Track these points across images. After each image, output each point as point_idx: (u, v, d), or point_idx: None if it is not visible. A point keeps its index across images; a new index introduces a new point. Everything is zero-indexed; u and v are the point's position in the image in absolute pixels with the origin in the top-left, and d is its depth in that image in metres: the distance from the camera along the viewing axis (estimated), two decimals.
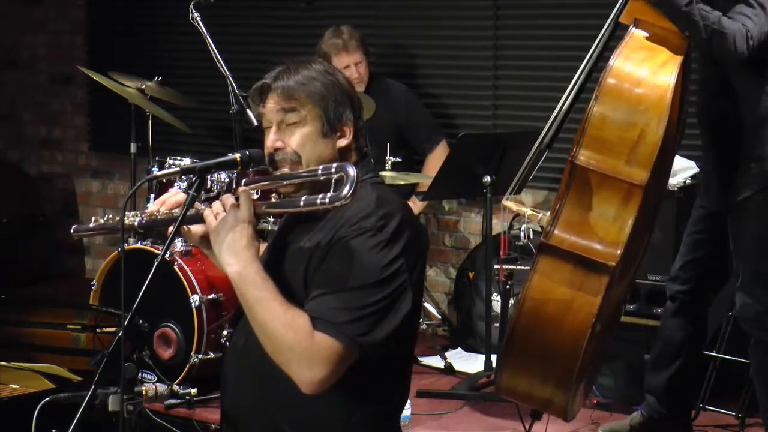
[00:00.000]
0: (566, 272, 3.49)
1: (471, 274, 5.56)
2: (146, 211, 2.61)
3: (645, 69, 3.60)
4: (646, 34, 3.69)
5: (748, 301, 3.99)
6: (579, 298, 3.48)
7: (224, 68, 5.05)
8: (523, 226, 4.12)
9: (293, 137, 2.49)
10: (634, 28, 3.70)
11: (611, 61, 3.59)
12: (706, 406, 4.47)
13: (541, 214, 4.18)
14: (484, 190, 4.89)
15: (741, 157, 3.95)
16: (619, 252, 3.46)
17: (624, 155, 3.50)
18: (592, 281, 3.47)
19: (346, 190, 2.28)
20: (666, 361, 4.28)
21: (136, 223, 2.58)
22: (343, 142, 2.52)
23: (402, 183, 5.21)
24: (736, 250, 4.02)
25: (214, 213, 2.43)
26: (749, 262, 3.99)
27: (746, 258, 3.99)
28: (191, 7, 5.16)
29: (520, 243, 4.21)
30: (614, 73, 3.56)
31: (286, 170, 2.49)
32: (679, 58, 3.62)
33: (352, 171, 2.30)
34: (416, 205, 5.61)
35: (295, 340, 2.32)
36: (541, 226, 4.59)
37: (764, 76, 3.90)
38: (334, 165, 2.36)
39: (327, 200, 2.30)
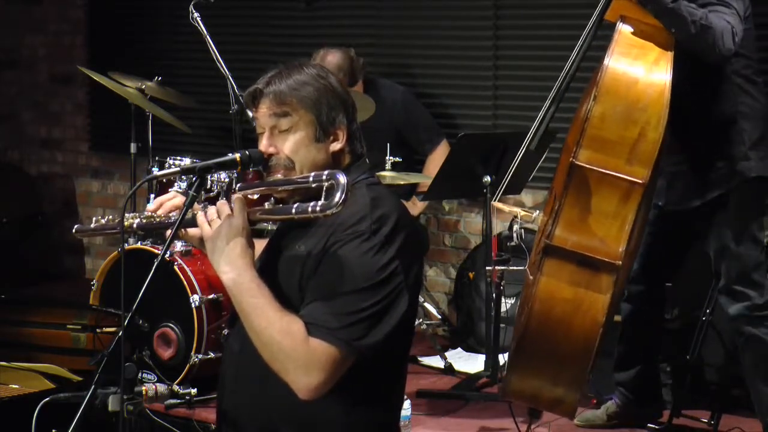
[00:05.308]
0: (572, 272, 3.50)
1: (471, 275, 5.56)
2: (145, 212, 2.62)
3: (640, 67, 3.61)
4: (634, 31, 3.69)
5: (732, 300, 4.01)
6: (588, 297, 3.49)
7: (224, 68, 5.05)
8: (515, 227, 4.13)
9: (286, 143, 2.49)
10: (621, 24, 3.70)
11: (606, 61, 3.59)
12: (682, 412, 4.45)
13: (535, 214, 4.19)
14: (484, 191, 4.88)
15: (710, 156, 3.97)
16: (621, 250, 3.48)
17: (625, 154, 3.51)
18: (599, 280, 3.48)
19: (337, 198, 2.28)
20: (630, 361, 4.36)
21: (135, 225, 2.59)
22: (336, 146, 2.51)
23: (402, 183, 5.22)
24: (710, 250, 4.03)
25: (209, 219, 2.43)
26: (726, 261, 4.00)
27: (723, 257, 4.01)
28: (191, 7, 5.16)
29: (512, 243, 4.22)
30: (610, 73, 3.56)
31: (279, 176, 2.49)
32: (669, 54, 3.63)
33: (342, 179, 2.30)
34: (417, 205, 5.61)
35: (290, 347, 2.33)
36: (526, 226, 4.60)
37: (732, 76, 3.92)
38: (325, 173, 2.35)
39: (318, 208, 2.30)
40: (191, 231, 2.53)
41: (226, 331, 4.66)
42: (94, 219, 2.70)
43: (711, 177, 3.97)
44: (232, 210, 2.41)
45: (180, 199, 2.61)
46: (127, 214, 2.59)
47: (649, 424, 4.39)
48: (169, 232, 2.54)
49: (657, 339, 4.41)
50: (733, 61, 3.86)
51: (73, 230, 2.77)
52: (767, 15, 4.66)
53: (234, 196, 2.44)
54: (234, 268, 2.37)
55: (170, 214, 2.59)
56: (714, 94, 3.94)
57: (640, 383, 4.36)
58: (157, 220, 2.59)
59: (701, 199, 3.99)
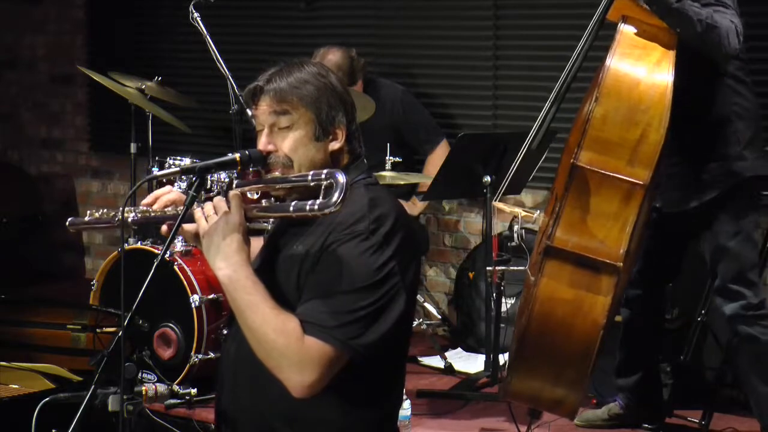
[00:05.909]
0: (573, 274, 3.49)
1: (471, 274, 5.56)
2: (140, 206, 2.61)
3: (642, 68, 3.61)
4: (636, 31, 3.68)
5: (727, 299, 4.02)
6: (589, 299, 3.49)
7: (224, 68, 5.05)
8: (516, 227, 4.13)
9: (285, 141, 2.48)
10: (623, 25, 3.69)
11: (608, 62, 3.58)
12: (675, 412, 4.47)
13: (536, 214, 4.19)
14: (484, 190, 4.88)
15: (705, 157, 3.97)
16: (622, 251, 3.47)
17: (626, 155, 3.51)
18: (599, 282, 3.48)
19: (335, 197, 2.28)
20: (631, 366, 4.36)
21: (130, 219, 2.58)
22: (335, 145, 2.51)
23: (402, 183, 5.21)
24: (707, 251, 4.03)
25: (205, 215, 2.43)
26: (723, 261, 4.01)
27: (719, 257, 4.01)
28: (191, 7, 5.16)
29: (513, 244, 4.22)
30: (612, 74, 3.56)
31: (277, 174, 2.49)
32: (672, 54, 3.63)
33: (341, 178, 2.30)
34: (417, 205, 5.61)
35: (285, 345, 2.33)
36: (527, 227, 4.60)
37: (726, 76, 3.92)
38: (324, 171, 2.35)
39: (316, 207, 2.30)
40: (187, 227, 2.52)
41: (225, 331, 4.67)
42: (88, 212, 2.69)
43: (707, 178, 3.97)
44: (229, 206, 2.41)
45: (176, 194, 2.61)
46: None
47: (644, 424, 4.39)
48: (165, 228, 2.54)
49: (657, 342, 4.40)
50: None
51: (67, 223, 2.75)
52: (763, 15, 4.67)
53: (231, 193, 2.44)
54: (229, 264, 2.37)
55: (166, 209, 2.58)
56: (709, 95, 3.94)
57: (642, 387, 4.35)
58: (153, 214, 2.58)
59: (699, 200, 3.99)
